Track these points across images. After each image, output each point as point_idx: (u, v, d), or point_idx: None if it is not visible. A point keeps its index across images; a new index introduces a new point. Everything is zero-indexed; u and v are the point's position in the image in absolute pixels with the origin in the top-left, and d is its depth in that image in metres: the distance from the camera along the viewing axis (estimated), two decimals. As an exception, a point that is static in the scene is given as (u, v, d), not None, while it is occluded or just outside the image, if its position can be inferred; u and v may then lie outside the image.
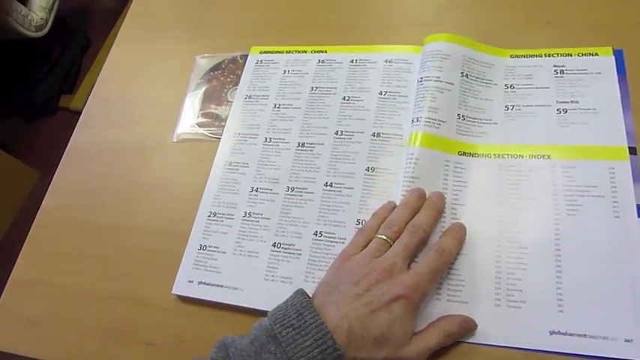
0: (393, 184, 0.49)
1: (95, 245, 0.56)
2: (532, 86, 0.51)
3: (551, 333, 0.40)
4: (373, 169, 0.51)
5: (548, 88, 0.51)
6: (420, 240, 0.43)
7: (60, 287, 0.55)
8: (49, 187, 0.61)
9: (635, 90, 0.49)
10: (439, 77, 0.51)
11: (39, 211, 0.60)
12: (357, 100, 0.55)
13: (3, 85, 1.74)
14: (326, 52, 0.59)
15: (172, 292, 0.49)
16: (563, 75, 0.51)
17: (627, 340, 0.39)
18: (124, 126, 0.63)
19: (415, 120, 0.50)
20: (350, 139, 0.53)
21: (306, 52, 0.60)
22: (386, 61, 0.56)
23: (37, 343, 0.52)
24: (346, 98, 0.56)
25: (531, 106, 0.50)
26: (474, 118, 0.50)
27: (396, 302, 0.39)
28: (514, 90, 0.51)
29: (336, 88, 0.57)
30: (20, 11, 1.43)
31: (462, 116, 0.50)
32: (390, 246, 0.43)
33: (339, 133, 0.53)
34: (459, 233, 0.45)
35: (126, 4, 1.91)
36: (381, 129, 0.53)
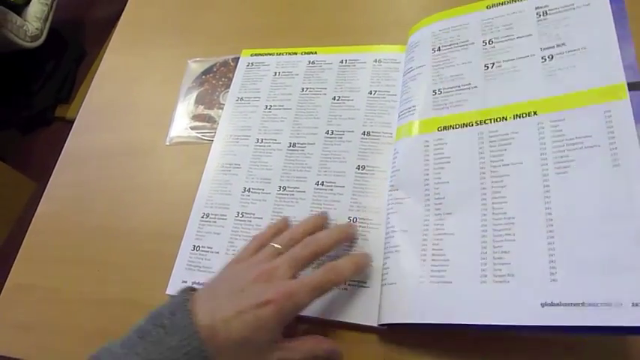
0: (383, 181, 0.49)
1: (90, 249, 0.56)
2: (513, 37, 0.48)
3: (543, 305, 0.36)
4: (364, 168, 0.51)
5: (531, 35, 0.47)
6: (312, 253, 0.42)
7: (55, 291, 0.55)
8: (44, 193, 0.62)
9: (634, 14, 0.43)
10: (412, 67, 0.52)
11: (34, 216, 0.61)
12: (347, 100, 0.56)
13: (-1, 96, 1.76)
14: (316, 53, 0.60)
15: (166, 292, 0.50)
16: (547, 17, 0.47)
17: (635, 305, 0.34)
18: (117, 131, 0.64)
19: (398, 117, 0.52)
20: (340, 138, 0.53)
21: (296, 53, 0.61)
22: (375, 61, 0.57)
23: (34, 347, 0.52)
24: (336, 98, 0.56)
25: (512, 59, 0.47)
26: (451, 87, 0.49)
27: (265, 307, 0.37)
28: (493, 45, 0.49)
29: (326, 88, 0.57)
30: (15, 22, 1.44)
31: (438, 90, 0.49)
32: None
33: (330, 132, 0.54)
34: (361, 261, 0.44)
35: (120, 14, 1.92)
36: (371, 128, 0.53)
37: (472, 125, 0.46)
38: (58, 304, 0.54)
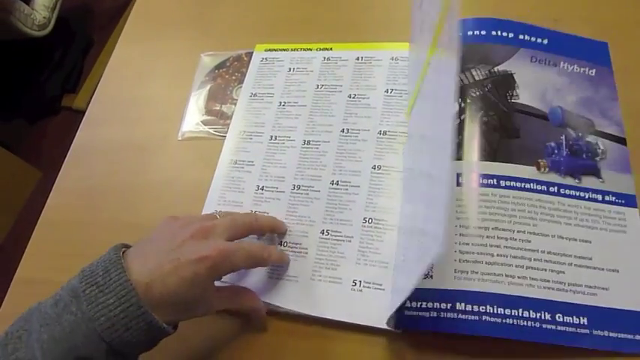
0: (400, 181, 0.49)
1: (100, 244, 0.54)
2: None
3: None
4: (379, 167, 0.50)
5: None
6: (249, 223, 0.44)
7: (64, 286, 0.54)
8: (54, 187, 0.61)
9: (621, 83, 0.50)
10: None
11: (43, 210, 0.60)
12: (363, 98, 0.55)
13: (6, 85, 1.74)
14: (331, 49, 0.59)
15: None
16: None
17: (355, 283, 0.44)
18: (128, 125, 0.63)
19: None
20: (356, 136, 0.52)
21: (311, 49, 0.60)
22: (392, 59, 0.56)
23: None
24: (352, 96, 0.55)
25: None
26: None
27: (201, 262, 0.38)
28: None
29: (341, 85, 0.56)
30: (23, 10, 1.42)
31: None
32: None
33: (345, 131, 0.53)
34: (285, 255, 0.47)
35: (128, 4, 1.91)
36: (387, 127, 0.52)
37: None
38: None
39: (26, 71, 1.78)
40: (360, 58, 0.57)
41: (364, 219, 0.48)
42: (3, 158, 1.54)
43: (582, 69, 0.51)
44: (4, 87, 1.74)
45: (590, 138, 0.48)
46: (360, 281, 0.45)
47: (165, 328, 0.37)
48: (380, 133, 0.52)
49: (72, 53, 1.82)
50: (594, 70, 0.52)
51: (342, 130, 0.53)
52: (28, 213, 1.56)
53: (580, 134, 0.48)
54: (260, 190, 0.52)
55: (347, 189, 0.50)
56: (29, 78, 1.78)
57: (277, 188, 0.52)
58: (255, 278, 0.48)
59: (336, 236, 0.48)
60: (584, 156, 0.47)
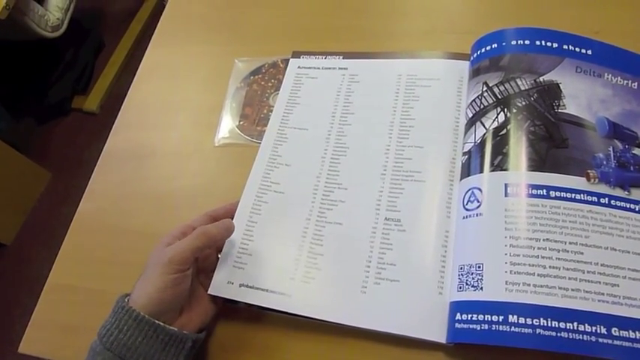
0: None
1: (132, 250, 0.55)
2: None
3: None
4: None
5: None
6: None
7: (97, 293, 0.54)
8: (85, 192, 0.60)
9: None
10: None
11: (75, 215, 0.59)
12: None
13: (17, 85, 1.74)
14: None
15: (209, 292, 0.48)
16: None
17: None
18: (161, 130, 0.62)
19: None
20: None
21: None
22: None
23: (75, 350, 0.51)
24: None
25: None
26: None
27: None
28: None
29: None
30: (37, 11, 1.42)
31: None
32: None
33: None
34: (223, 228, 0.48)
35: (140, 6, 1.90)
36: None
37: None
38: (100, 306, 0.52)
39: (37, 71, 1.78)
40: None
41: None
42: (12, 159, 1.53)
43: (626, 81, 0.51)
44: (14, 87, 1.73)
45: (636, 151, 0.48)
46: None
47: (157, 324, 0.40)
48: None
49: (83, 54, 1.81)
50: (636, 84, 0.51)
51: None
52: (37, 214, 1.55)
53: (626, 146, 0.48)
54: None
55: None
56: (40, 78, 1.77)
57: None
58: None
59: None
60: (631, 168, 0.47)
